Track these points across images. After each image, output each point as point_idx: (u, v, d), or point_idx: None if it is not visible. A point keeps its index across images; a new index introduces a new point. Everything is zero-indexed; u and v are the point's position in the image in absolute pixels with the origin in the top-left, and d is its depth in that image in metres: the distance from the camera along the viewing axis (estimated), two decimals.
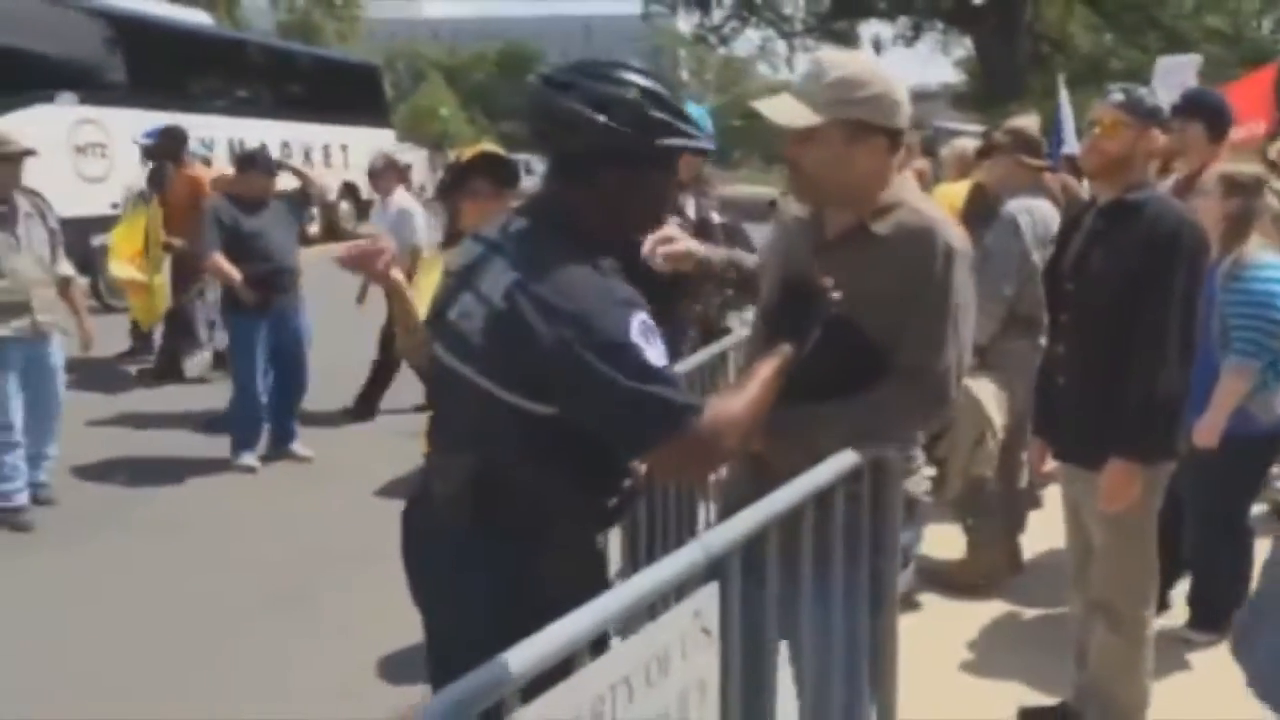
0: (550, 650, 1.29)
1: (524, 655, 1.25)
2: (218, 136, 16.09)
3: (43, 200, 5.62)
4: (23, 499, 5.37)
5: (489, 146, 3.63)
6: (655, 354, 1.78)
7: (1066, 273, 3.13)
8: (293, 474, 6.45)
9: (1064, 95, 8.53)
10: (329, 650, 4.01)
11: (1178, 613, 3.96)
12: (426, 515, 2.07)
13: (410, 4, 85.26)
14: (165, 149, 8.95)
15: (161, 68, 16.01)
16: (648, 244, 2.51)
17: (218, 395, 7.00)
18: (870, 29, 38.04)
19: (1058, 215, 4.35)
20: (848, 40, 38.07)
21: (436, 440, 2.09)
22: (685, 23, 45.89)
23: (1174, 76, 6.20)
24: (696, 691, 1.57)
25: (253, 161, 6.67)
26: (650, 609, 1.53)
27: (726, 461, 2.01)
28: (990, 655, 3.86)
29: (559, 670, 1.36)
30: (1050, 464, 3.32)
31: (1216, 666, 3.18)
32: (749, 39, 42.10)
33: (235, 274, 6.26)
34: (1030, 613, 4.24)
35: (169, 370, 8.67)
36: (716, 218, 5.06)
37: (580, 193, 1.92)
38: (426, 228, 7.64)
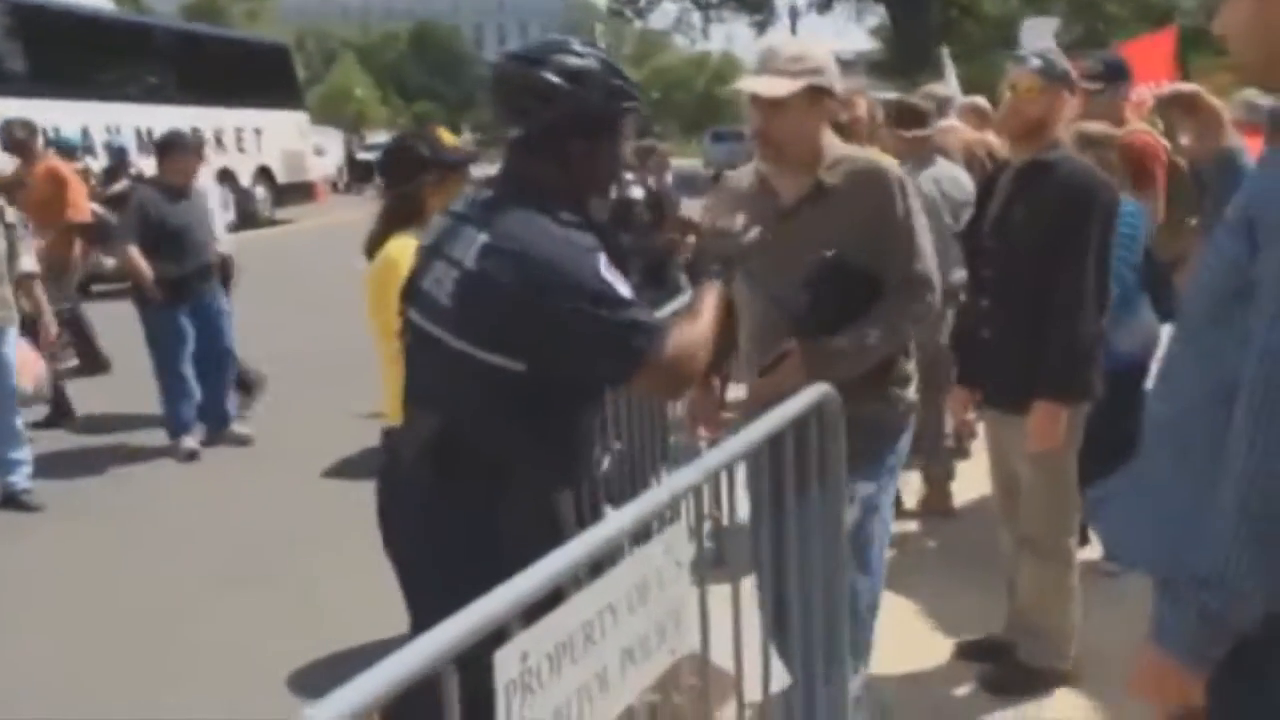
0: (543, 580, 1.41)
1: (521, 585, 1.37)
2: (124, 124, 15.61)
3: None
4: None
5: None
6: (624, 288, 1.97)
7: (987, 230, 3.30)
8: (234, 457, 6.46)
9: (947, 63, 8.85)
10: (286, 629, 4.07)
11: (1095, 547, 4.20)
12: (397, 473, 2.19)
13: None
14: (14, 143, 8.03)
15: (63, 55, 15.46)
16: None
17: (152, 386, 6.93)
18: None
19: (954, 177, 4.59)
20: (762, 9, 38.40)
21: (409, 402, 2.20)
22: None
23: (1035, 35, 6.36)
24: (672, 619, 1.71)
25: (176, 144, 6.56)
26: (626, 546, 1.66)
27: (696, 378, 2.21)
28: (926, 595, 4.06)
29: (547, 602, 1.48)
30: (971, 413, 3.51)
31: (1137, 591, 3.40)
32: (665, 11, 42.15)
33: (147, 273, 6.14)
34: (962, 554, 4.45)
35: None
36: (638, 192, 5.31)
37: (546, 161, 2.07)
38: (223, 214, 7.17)
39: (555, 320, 1.93)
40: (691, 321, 2.13)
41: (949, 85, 7.85)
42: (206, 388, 6.56)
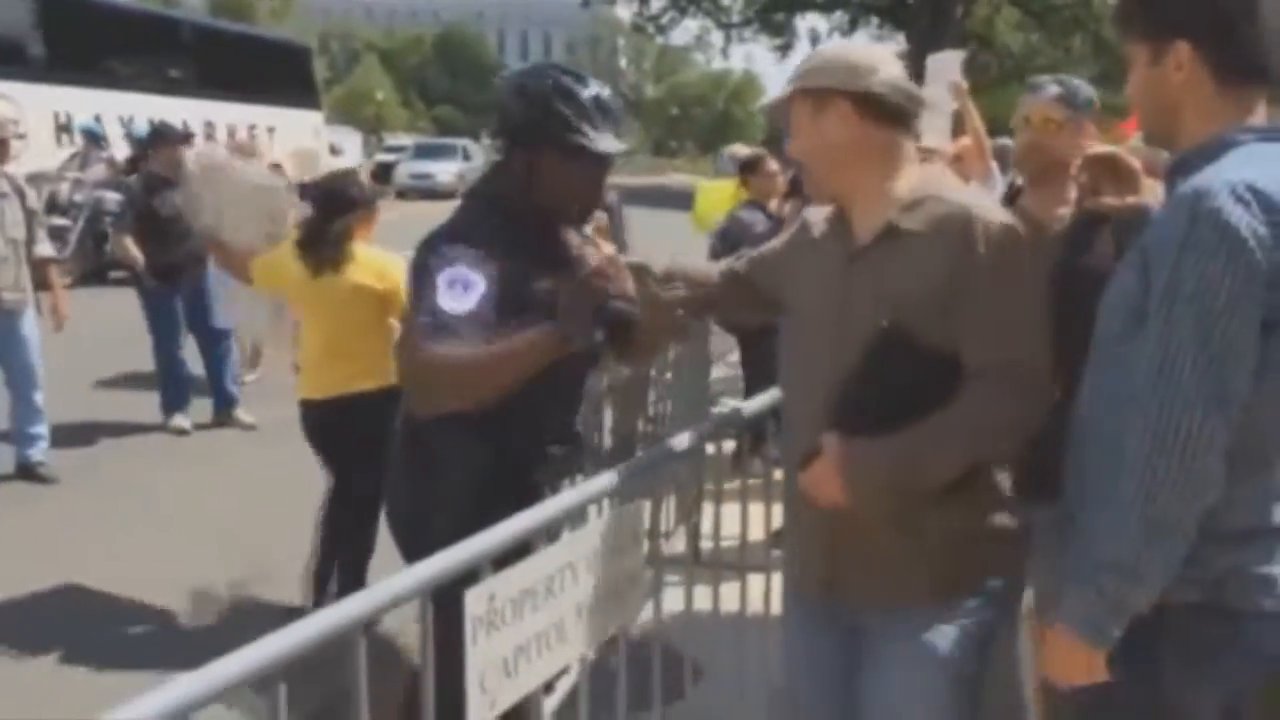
0: (514, 533, 1.64)
1: (493, 536, 1.60)
2: (139, 114, 15.71)
3: (22, 182, 5.81)
4: None
5: None
6: (447, 298, 2.10)
7: None
8: (243, 439, 6.70)
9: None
10: (284, 600, 4.29)
11: None
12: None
13: None
14: None
15: (81, 43, 15.60)
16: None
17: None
18: (807, 22, 38.68)
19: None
20: (784, 32, 38.72)
21: None
22: (624, 10, 46.11)
23: (942, 71, 6.19)
24: (627, 581, 1.92)
25: (161, 136, 6.97)
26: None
27: (446, 399, 2.16)
28: None
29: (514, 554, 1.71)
30: None
31: None
32: (687, 29, 42.40)
33: (138, 260, 6.52)
34: None
35: None
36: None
37: (502, 170, 2.33)
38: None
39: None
40: (480, 349, 2.07)
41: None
42: (207, 368, 6.89)
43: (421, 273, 2.15)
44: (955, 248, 1.86)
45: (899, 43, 39.28)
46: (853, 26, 38.17)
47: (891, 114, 1.94)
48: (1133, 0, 1.76)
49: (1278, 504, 1.69)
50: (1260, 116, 1.70)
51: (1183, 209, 1.59)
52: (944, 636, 1.92)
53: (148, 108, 16.18)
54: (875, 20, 37.49)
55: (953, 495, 1.88)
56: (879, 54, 2.02)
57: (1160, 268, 1.61)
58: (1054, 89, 2.70)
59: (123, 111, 15.76)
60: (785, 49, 39.10)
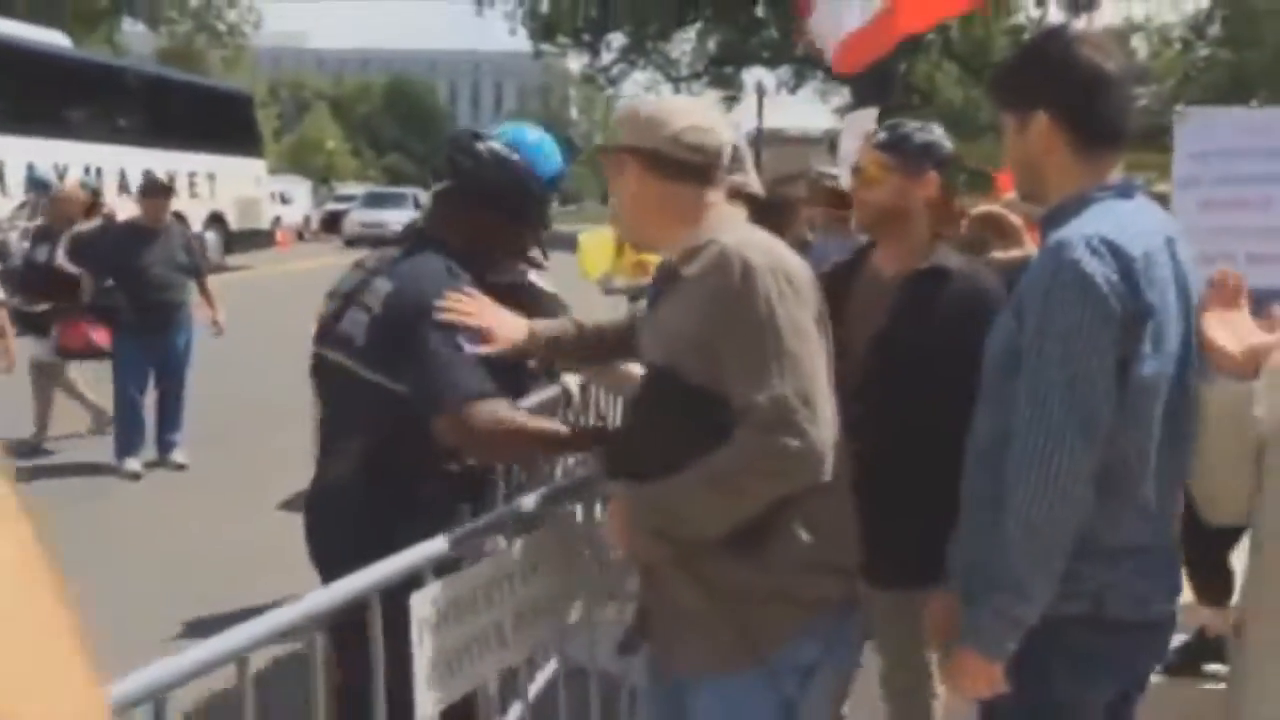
0: (453, 543, 1.80)
1: (434, 545, 1.76)
2: (71, 162, 15.19)
3: None
4: None
5: None
6: (468, 345, 2.19)
7: (873, 352, 2.50)
8: (193, 486, 6.76)
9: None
10: None
11: None
12: (321, 495, 2.47)
13: (297, 34, 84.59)
14: None
15: (12, 89, 15.11)
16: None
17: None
18: (754, 75, 39.43)
19: None
20: (732, 85, 39.52)
21: (330, 431, 2.52)
22: (575, 62, 46.73)
23: (856, 130, 6.21)
24: (562, 595, 2.09)
25: (149, 188, 7.15)
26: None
27: (489, 451, 2.28)
28: None
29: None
30: None
31: None
32: (636, 81, 42.94)
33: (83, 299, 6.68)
34: None
35: None
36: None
37: (460, 217, 2.44)
38: None
39: (410, 343, 2.20)
40: (521, 414, 2.25)
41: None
42: (159, 414, 7.01)
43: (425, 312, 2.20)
44: (714, 286, 1.83)
45: (843, 95, 40.30)
46: (798, 80, 39.09)
47: (678, 169, 1.95)
48: (1000, 76, 2.02)
49: (1148, 522, 1.89)
50: (1116, 175, 1.94)
51: (1049, 260, 1.81)
52: (739, 707, 1.87)
53: (84, 155, 15.75)
54: (820, 74, 38.43)
55: (744, 552, 1.82)
56: (677, 106, 2.05)
57: (1030, 313, 1.82)
58: (880, 135, 2.49)
59: (57, 159, 14.88)
60: (732, 101, 39.86)
